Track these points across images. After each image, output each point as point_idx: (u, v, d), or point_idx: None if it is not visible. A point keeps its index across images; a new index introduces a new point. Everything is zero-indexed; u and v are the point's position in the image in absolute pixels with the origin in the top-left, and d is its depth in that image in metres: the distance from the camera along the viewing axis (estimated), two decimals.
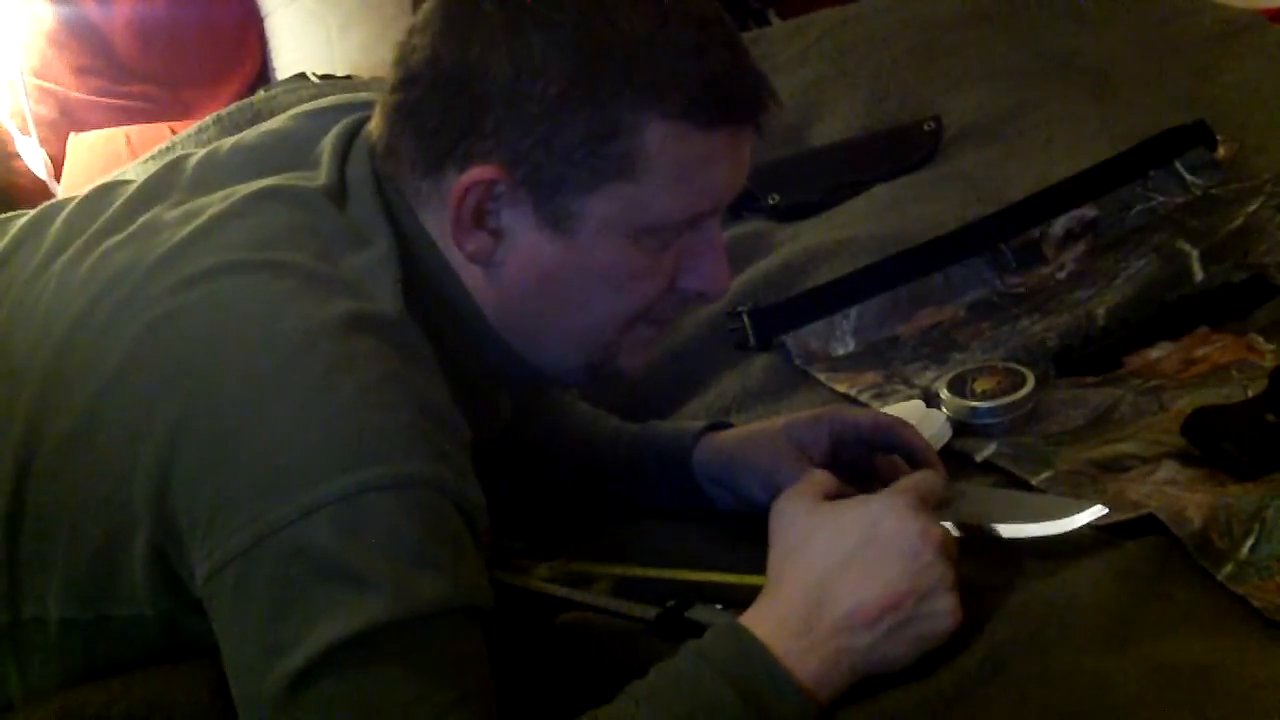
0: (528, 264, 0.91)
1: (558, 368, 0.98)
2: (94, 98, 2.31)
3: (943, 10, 2.08)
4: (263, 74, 2.48)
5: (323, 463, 0.79)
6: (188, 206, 0.94)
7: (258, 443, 0.80)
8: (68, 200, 1.03)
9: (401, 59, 0.91)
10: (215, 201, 0.92)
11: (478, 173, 0.87)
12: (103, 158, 2.16)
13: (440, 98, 0.88)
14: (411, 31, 0.91)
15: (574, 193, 0.88)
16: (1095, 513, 0.96)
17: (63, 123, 2.28)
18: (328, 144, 0.96)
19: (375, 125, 0.94)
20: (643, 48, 0.86)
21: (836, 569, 0.87)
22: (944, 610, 0.87)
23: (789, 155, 1.79)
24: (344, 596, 0.77)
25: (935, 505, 0.93)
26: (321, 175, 0.94)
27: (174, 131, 2.06)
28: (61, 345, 0.90)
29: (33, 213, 1.05)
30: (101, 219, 0.97)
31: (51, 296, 0.93)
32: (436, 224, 0.91)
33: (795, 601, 0.87)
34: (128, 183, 1.02)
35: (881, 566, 0.86)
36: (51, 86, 2.29)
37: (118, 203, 0.98)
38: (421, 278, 0.92)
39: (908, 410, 1.19)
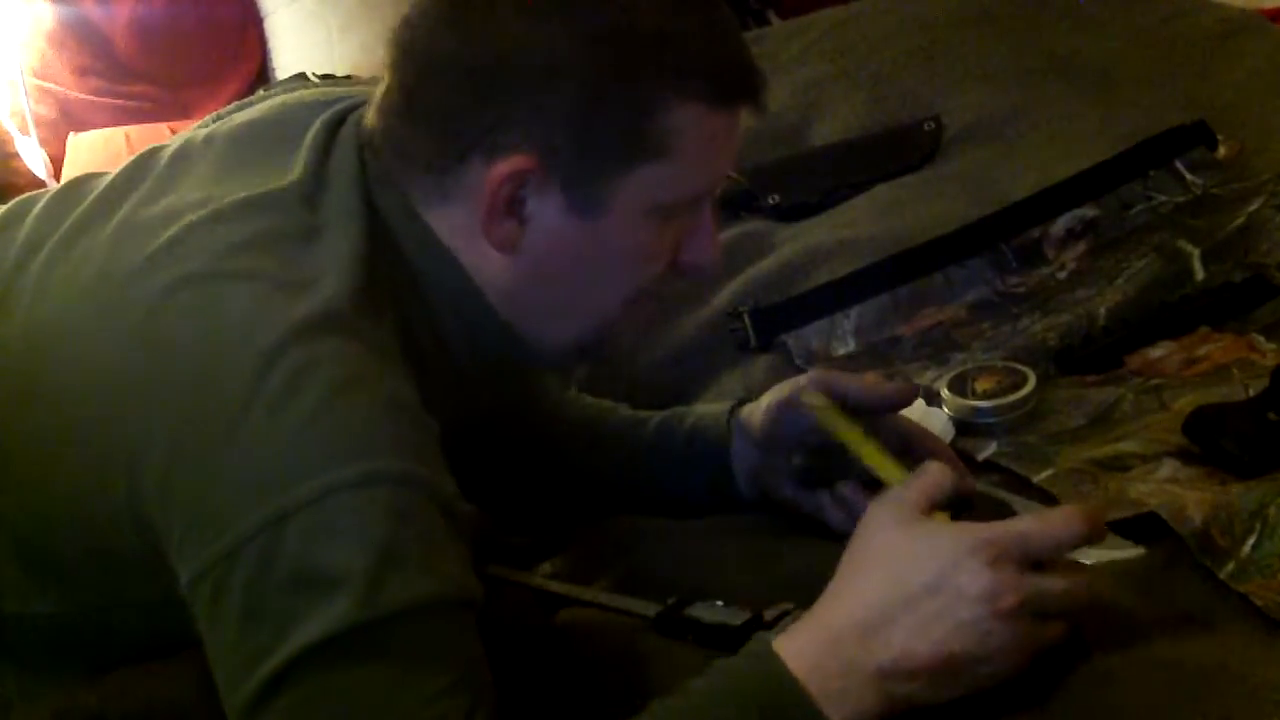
0: (550, 249, 0.92)
1: (556, 349, 0.99)
2: (94, 98, 2.32)
3: (943, 10, 2.08)
4: (262, 74, 2.48)
5: (289, 470, 0.79)
6: (166, 204, 0.93)
7: (226, 454, 0.80)
8: (40, 194, 1.03)
9: (405, 54, 0.91)
10: (193, 206, 0.91)
11: (515, 162, 0.88)
12: (103, 157, 2.17)
13: (465, 90, 0.88)
14: (413, 25, 0.91)
15: (605, 177, 0.89)
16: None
17: (63, 123, 2.28)
18: (310, 138, 0.95)
19: (372, 122, 0.93)
20: (665, 34, 0.88)
21: (895, 608, 0.80)
22: (994, 674, 0.81)
23: (789, 155, 1.79)
24: (316, 601, 0.78)
25: (1026, 560, 0.82)
26: (297, 170, 0.93)
27: (174, 131, 2.06)
28: (36, 347, 0.90)
29: (5, 208, 1.04)
30: (77, 212, 0.96)
31: (31, 297, 0.93)
32: (448, 217, 0.92)
33: (843, 636, 0.81)
34: (101, 175, 1.02)
35: (938, 621, 0.80)
36: (51, 86, 2.29)
37: (92, 196, 0.98)
38: (411, 270, 0.92)
39: (908, 409, 1.19)
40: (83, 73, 2.32)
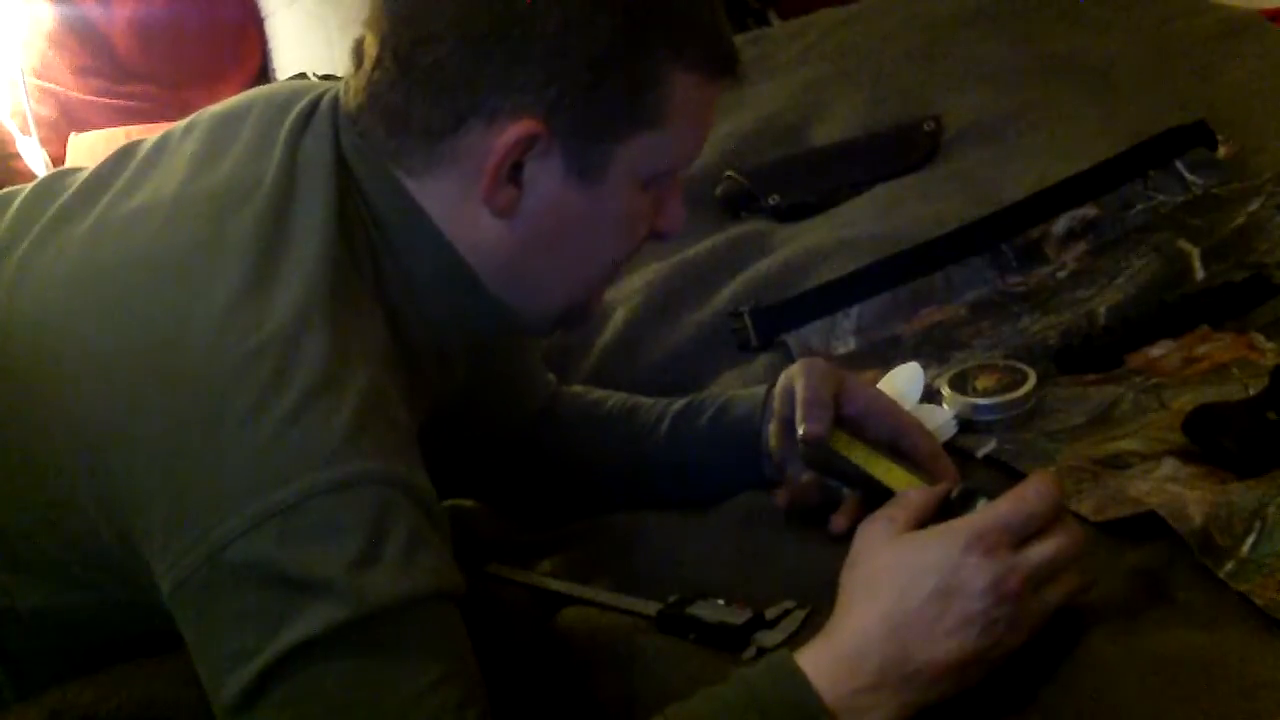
0: (549, 214, 0.93)
1: (541, 316, 1.00)
2: (94, 98, 2.32)
3: (943, 10, 2.08)
4: (263, 74, 2.48)
5: (266, 476, 0.79)
6: (142, 198, 0.93)
7: (203, 462, 0.80)
8: (19, 190, 1.03)
9: (406, 19, 0.90)
10: (167, 200, 0.91)
11: (523, 127, 0.88)
12: (103, 158, 2.16)
13: (470, 54, 0.88)
14: None
15: (607, 143, 0.91)
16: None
17: (63, 123, 2.28)
18: (287, 124, 0.95)
19: (355, 99, 0.93)
20: (668, 3, 0.90)
21: (909, 620, 0.82)
22: (1006, 651, 0.83)
23: (789, 155, 1.79)
24: (300, 602, 0.78)
25: (1015, 541, 0.84)
26: (272, 158, 0.92)
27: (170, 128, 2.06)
28: (11, 344, 0.90)
29: None
30: (55, 206, 0.96)
31: (7, 293, 0.93)
32: (438, 184, 0.92)
33: (864, 652, 0.82)
34: (79, 170, 1.02)
35: (954, 624, 0.82)
36: (51, 86, 2.29)
37: (70, 190, 0.98)
38: (390, 243, 0.93)
39: (905, 374, 1.19)
40: (83, 73, 2.32)
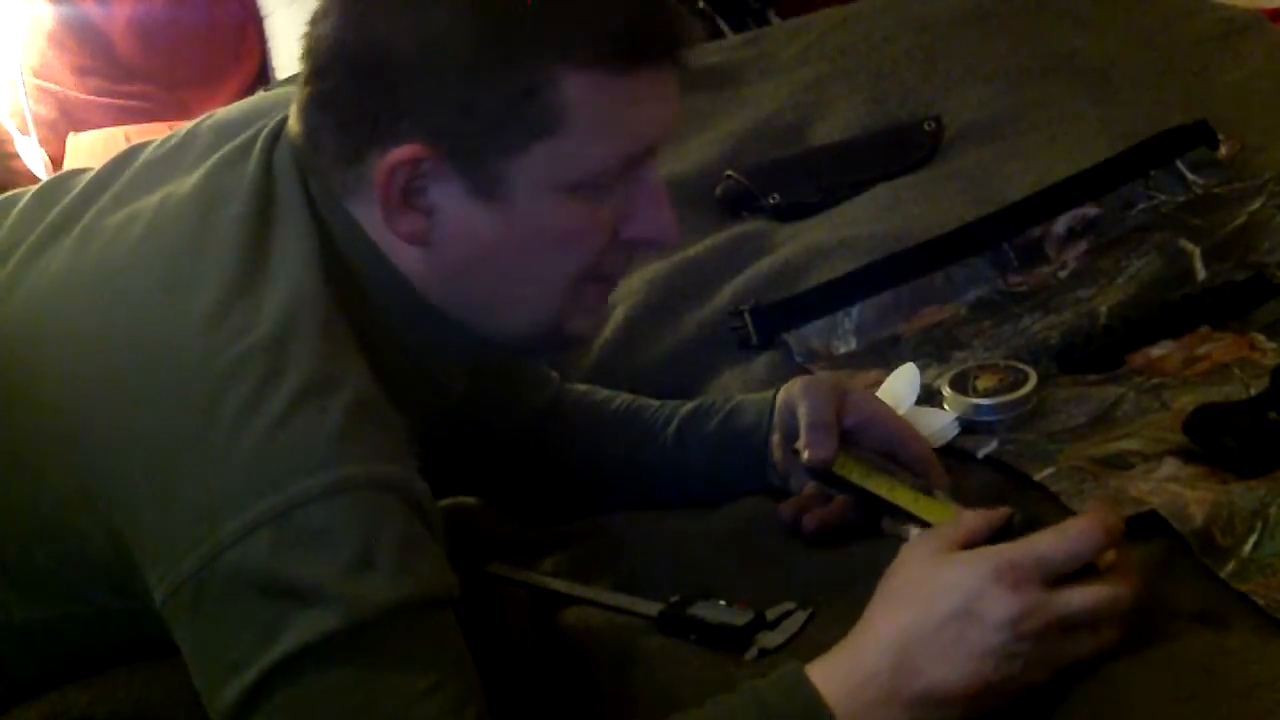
0: (464, 237, 0.89)
1: (510, 337, 0.96)
2: (94, 98, 2.32)
3: (943, 10, 2.08)
4: (262, 74, 2.48)
5: (257, 482, 0.79)
6: (130, 209, 0.92)
7: (195, 468, 0.80)
8: (23, 192, 1.02)
9: (309, 51, 0.89)
10: (152, 208, 0.91)
11: (400, 153, 0.86)
12: (102, 158, 2.12)
13: (352, 84, 0.87)
14: (315, 21, 0.89)
15: (500, 158, 0.86)
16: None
17: (62, 123, 2.28)
18: (260, 140, 0.94)
19: (292, 123, 0.92)
20: (546, 2, 0.84)
21: (925, 638, 0.80)
22: (1023, 687, 0.81)
23: (789, 155, 1.79)
24: (293, 610, 0.78)
25: (1048, 579, 0.82)
26: (249, 169, 0.92)
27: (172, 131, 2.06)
28: (5, 354, 0.90)
29: None
30: (54, 213, 0.96)
31: (2, 299, 0.92)
32: (367, 212, 0.90)
33: (877, 666, 0.81)
34: (84, 172, 1.01)
35: (967, 650, 0.80)
36: (51, 86, 2.29)
37: (69, 196, 0.97)
38: (349, 267, 0.91)
39: (903, 377, 1.19)
40: (83, 73, 2.32)
